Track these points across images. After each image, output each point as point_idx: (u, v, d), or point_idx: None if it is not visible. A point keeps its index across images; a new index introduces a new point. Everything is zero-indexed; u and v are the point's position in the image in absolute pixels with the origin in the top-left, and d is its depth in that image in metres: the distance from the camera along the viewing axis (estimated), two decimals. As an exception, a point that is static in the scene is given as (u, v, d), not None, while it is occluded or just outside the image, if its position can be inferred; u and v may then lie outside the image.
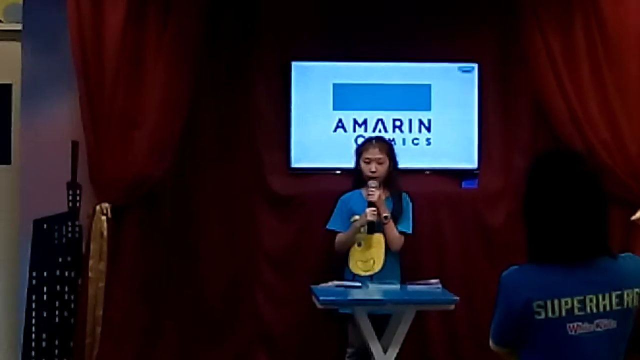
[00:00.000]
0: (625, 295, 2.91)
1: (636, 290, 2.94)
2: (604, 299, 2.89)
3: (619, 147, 6.19)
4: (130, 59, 5.89)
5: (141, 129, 5.93)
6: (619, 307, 2.90)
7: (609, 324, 2.89)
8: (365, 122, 6.41)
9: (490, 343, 3.05)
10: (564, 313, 2.87)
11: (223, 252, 6.32)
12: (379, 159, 5.86)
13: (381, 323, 5.56)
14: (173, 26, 5.94)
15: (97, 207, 5.86)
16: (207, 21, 6.07)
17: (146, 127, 5.93)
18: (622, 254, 3.02)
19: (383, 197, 5.83)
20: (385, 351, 5.39)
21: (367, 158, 5.87)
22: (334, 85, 6.40)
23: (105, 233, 5.85)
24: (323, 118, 6.40)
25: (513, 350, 3.00)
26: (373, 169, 5.83)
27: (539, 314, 2.86)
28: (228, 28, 6.30)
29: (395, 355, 5.40)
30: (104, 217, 5.84)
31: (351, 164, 6.02)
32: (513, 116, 6.53)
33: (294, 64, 6.33)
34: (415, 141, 6.44)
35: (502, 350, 3.03)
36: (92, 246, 5.87)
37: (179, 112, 6.01)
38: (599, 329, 2.88)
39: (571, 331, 2.87)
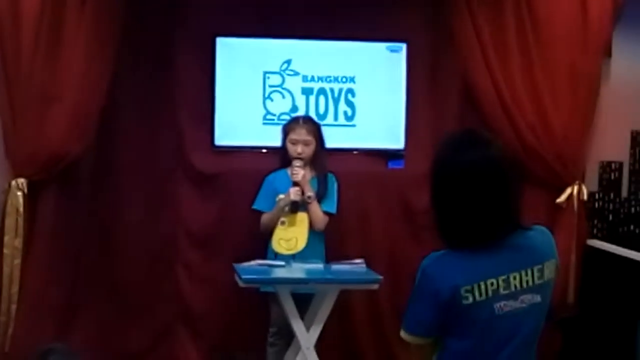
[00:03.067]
0: (545, 268, 2.93)
1: (552, 261, 2.97)
2: (526, 274, 2.89)
3: (545, 130, 6.25)
4: (48, 31, 5.74)
5: (60, 104, 5.79)
6: (540, 281, 2.91)
7: (533, 298, 2.90)
8: (292, 100, 6.33)
9: (404, 334, 2.96)
10: (490, 294, 2.84)
11: (144, 229, 6.23)
12: (306, 140, 5.81)
13: (304, 303, 5.52)
14: (93, -1, 5.81)
15: (13, 183, 5.73)
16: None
17: (65, 102, 5.79)
18: (533, 227, 3.01)
19: (308, 177, 5.79)
20: (308, 330, 5.35)
21: (294, 139, 5.80)
22: (261, 61, 6.31)
23: (21, 209, 5.73)
24: (249, 95, 6.30)
25: (430, 341, 2.94)
26: (299, 150, 5.78)
27: (467, 298, 2.83)
28: (151, 1, 6.16)
29: (318, 334, 5.40)
30: (19, 193, 5.72)
31: (278, 143, 5.93)
32: (441, 97, 6.52)
33: (218, 39, 6.22)
34: (342, 120, 6.39)
35: (418, 340, 2.95)
36: (7, 222, 5.74)
37: (99, 87, 5.89)
38: (523, 305, 2.88)
39: (498, 311, 2.85)
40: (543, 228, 3.06)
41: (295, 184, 5.73)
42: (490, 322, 2.85)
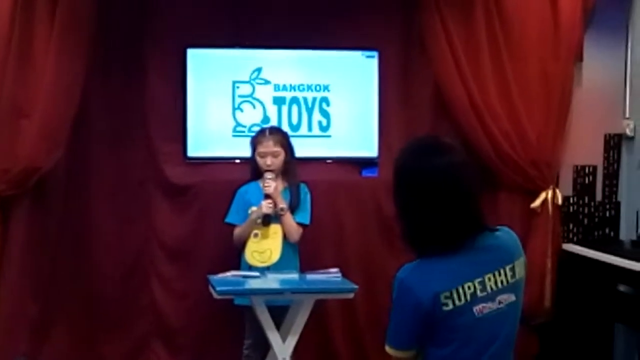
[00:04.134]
0: (516, 267, 2.97)
1: (521, 259, 3.02)
2: (499, 274, 2.92)
3: (519, 136, 6.26)
4: (18, 45, 5.70)
5: (30, 118, 5.74)
6: (513, 280, 2.95)
7: (508, 297, 2.94)
8: (263, 110, 6.29)
9: (390, 350, 2.96)
10: (469, 298, 2.86)
11: (118, 243, 6.19)
12: (274, 152, 5.74)
13: (280, 314, 5.49)
14: (63, 12, 5.75)
15: (-16, 199, 5.68)
16: (98, 6, 5.89)
17: (35, 116, 5.74)
18: (498, 228, 3.05)
19: (280, 188, 5.75)
20: (284, 341, 5.33)
21: (262, 152, 5.74)
22: (231, 71, 6.27)
23: (-7, 224, 5.68)
24: (220, 106, 6.26)
25: (414, 353, 2.94)
26: (269, 163, 5.72)
27: (447, 305, 2.84)
28: (121, 13, 6.14)
29: (294, 344, 5.36)
30: (-9, 208, 5.67)
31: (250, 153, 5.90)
32: (414, 105, 6.50)
33: (189, 50, 6.18)
34: (317, 131, 6.36)
35: (404, 354, 2.95)
36: (-22, 238, 5.68)
37: (70, 100, 5.84)
38: (501, 305, 2.91)
39: (478, 314, 2.87)
40: (507, 228, 3.09)
41: (267, 196, 5.69)
42: (471, 326, 2.86)
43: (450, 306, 2.84)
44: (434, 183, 2.88)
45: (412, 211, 2.93)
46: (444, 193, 2.87)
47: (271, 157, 5.73)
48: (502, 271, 2.92)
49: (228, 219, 5.86)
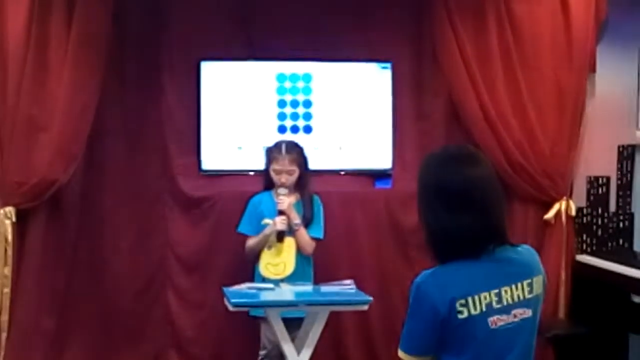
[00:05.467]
0: (534, 283, 2.96)
1: (540, 277, 3.01)
2: (517, 289, 2.92)
3: (532, 147, 6.24)
4: (34, 60, 5.73)
5: (46, 132, 5.78)
6: (530, 295, 2.94)
7: (524, 312, 2.92)
8: (278, 121, 6.33)
9: (403, 355, 2.95)
10: (484, 308, 2.86)
11: (133, 255, 6.22)
12: (289, 170, 5.73)
13: (295, 326, 5.48)
14: (78, 27, 5.79)
15: (1, 211, 5.71)
16: (113, 21, 5.93)
17: (52, 130, 5.78)
18: (520, 244, 3.05)
19: (293, 202, 5.74)
20: (298, 353, 5.32)
21: (277, 169, 5.73)
22: (246, 84, 6.31)
23: (9, 237, 5.71)
24: (235, 119, 6.30)
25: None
26: (283, 180, 5.71)
27: (462, 313, 2.84)
28: (136, 27, 6.18)
29: (309, 356, 5.34)
30: (8, 221, 5.71)
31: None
32: (427, 116, 6.52)
33: (203, 63, 6.22)
34: (330, 142, 6.40)
35: None
36: (-5, 251, 5.71)
37: (86, 114, 5.88)
38: (515, 319, 2.90)
39: (492, 325, 2.87)
40: (528, 246, 3.09)
41: (281, 212, 5.68)
42: (485, 338, 2.86)
43: (465, 314, 2.84)
44: (462, 192, 2.88)
45: (436, 216, 2.93)
46: (471, 202, 2.88)
47: (286, 174, 5.72)
48: (519, 285, 2.91)
49: (240, 229, 5.86)
